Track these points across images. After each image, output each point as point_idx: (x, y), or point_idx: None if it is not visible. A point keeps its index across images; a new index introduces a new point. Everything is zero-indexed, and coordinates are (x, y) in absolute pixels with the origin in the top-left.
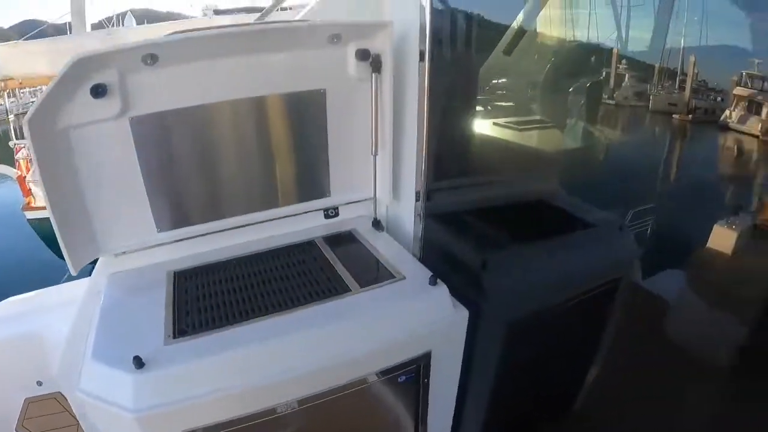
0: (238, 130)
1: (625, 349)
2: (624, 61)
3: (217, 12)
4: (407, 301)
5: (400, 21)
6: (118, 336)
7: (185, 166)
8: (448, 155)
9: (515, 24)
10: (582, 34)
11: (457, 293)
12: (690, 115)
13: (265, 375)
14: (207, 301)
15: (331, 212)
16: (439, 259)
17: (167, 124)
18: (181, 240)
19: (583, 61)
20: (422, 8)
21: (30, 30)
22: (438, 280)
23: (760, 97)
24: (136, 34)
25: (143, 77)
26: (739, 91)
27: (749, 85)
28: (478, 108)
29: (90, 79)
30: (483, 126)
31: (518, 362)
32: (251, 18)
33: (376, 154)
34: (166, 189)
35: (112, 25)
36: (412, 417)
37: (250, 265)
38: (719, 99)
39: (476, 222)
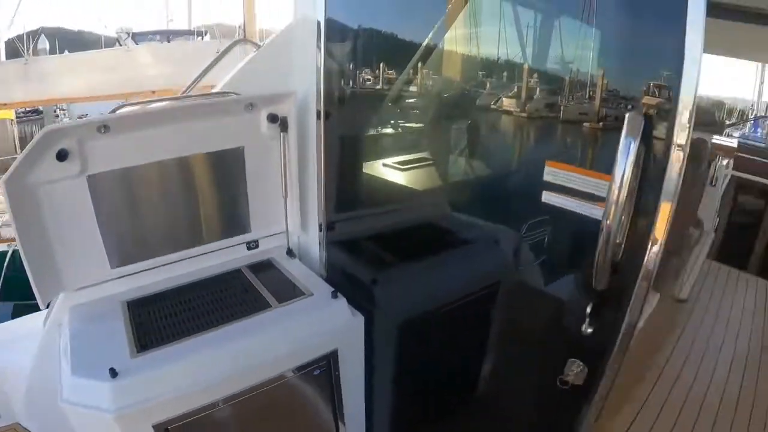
0: (174, 182)
1: (508, 341)
2: (535, 75)
3: (133, 36)
4: (315, 312)
5: (302, 87)
6: (91, 355)
7: (132, 213)
8: (345, 193)
9: (403, 75)
10: (477, 63)
11: (354, 303)
12: (601, 123)
13: (210, 376)
14: (159, 322)
15: (252, 245)
16: (341, 278)
17: (117, 180)
18: (131, 274)
19: (465, 104)
20: (318, 76)
21: None
22: (338, 294)
23: (667, 106)
24: (54, 64)
25: (97, 143)
26: (647, 100)
27: (656, 94)
28: (370, 152)
29: (56, 145)
30: (373, 167)
31: (411, 357)
32: (169, 49)
33: (286, 196)
34: (117, 232)
35: (29, 53)
36: (332, 403)
37: (190, 291)
38: (629, 107)
39: (369, 245)
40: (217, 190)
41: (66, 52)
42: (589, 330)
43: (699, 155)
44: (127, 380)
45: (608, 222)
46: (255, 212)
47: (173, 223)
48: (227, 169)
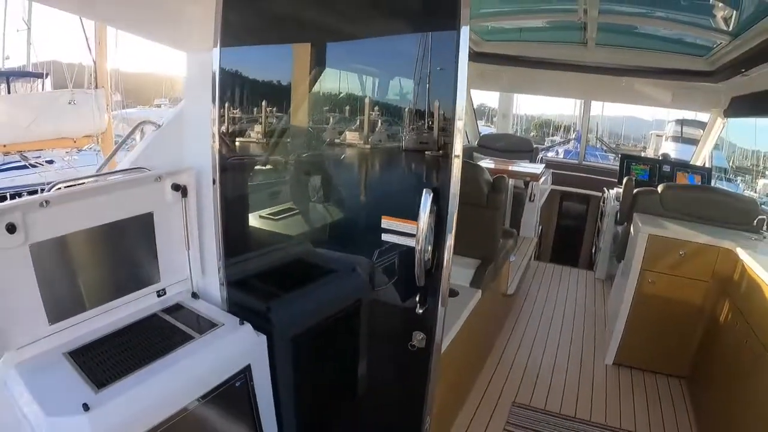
0: (98, 244)
1: (375, 344)
2: (377, 108)
3: None
4: (229, 337)
5: (198, 158)
6: (58, 398)
7: (66, 274)
8: (237, 241)
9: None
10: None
11: (256, 327)
12: (440, 150)
13: (164, 394)
14: (104, 364)
15: (161, 292)
16: (240, 309)
17: (54, 246)
18: (66, 328)
19: (316, 145)
20: (213, 151)
21: None
22: (244, 322)
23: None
24: None
25: (38, 216)
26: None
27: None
28: (252, 207)
29: (4, 220)
30: (256, 218)
31: (305, 363)
32: (18, 100)
33: (189, 249)
34: (54, 292)
35: None
36: (251, 410)
37: (120, 336)
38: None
39: (260, 281)
40: (133, 248)
41: None
42: (420, 310)
43: (500, 187)
44: (99, 411)
45: (418, 248)
46: (163, 265)
47: (99, 279)
48: (141, 230)
